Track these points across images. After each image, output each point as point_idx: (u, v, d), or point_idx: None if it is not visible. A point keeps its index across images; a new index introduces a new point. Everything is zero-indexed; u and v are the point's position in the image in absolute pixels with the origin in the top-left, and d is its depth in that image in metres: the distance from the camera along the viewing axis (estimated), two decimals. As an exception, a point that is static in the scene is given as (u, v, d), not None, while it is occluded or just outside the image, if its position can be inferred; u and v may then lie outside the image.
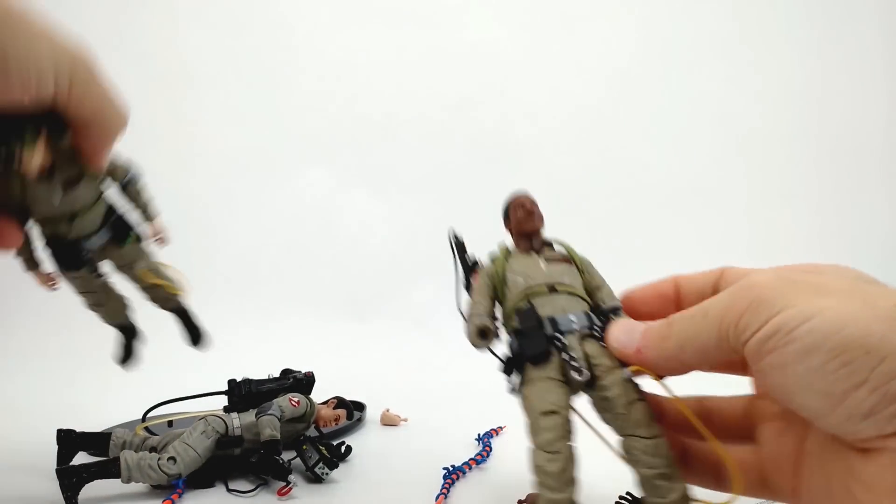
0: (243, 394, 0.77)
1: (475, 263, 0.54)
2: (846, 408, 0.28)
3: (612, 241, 1.36)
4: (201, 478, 0.66)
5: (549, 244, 0.53)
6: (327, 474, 0.67)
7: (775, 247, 1.53)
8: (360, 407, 0.91)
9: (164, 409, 0.81)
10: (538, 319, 0.47)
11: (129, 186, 0.63)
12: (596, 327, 0.47)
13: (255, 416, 0.70)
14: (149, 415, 0.80)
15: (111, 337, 0.73)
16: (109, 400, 0.96)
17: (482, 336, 0.48)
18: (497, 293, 0.50)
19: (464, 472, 0.67)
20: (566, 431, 0.43)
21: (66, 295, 0.64)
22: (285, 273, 1.62)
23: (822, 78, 1.77)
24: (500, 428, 0.83)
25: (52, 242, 0.57)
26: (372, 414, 0.92)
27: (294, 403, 0.73)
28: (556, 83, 1.76)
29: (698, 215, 1.70)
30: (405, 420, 0.91)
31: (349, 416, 0.83)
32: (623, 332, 0.42)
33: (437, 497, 0.59)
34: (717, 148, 1.76)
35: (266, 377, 0.81)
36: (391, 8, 1.73)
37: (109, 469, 0.62)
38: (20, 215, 0.53)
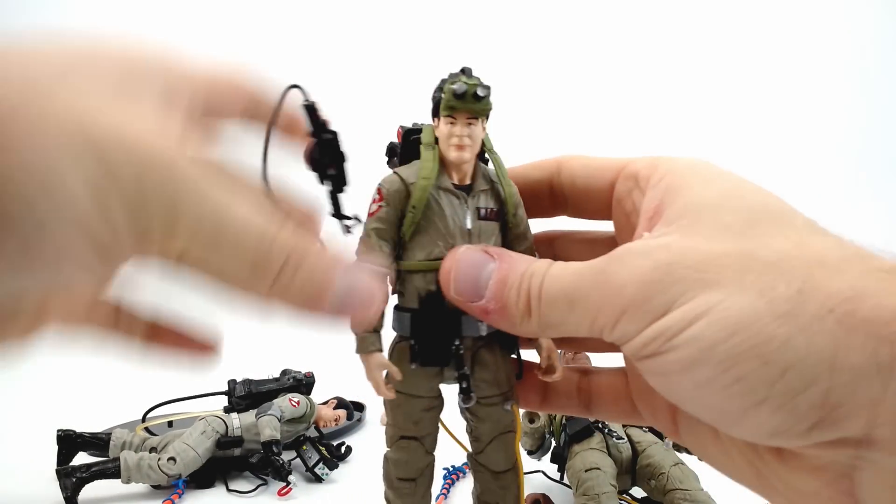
0: (243, 394, 0.77)
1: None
2: (747, 426, 0.23)
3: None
4: (201, 478, 0.66)
5: None
6: (327, 474, 0.68)
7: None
8: (360, 407, 0.91)
9: (164, 409, 0.81)
10: None
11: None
12: None
13: (255, 416, 0.70)
14: (149, 415, 0.80)
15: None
16: (109, 400, 0.96)
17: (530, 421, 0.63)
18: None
19: (464, 473, 0.67)
20: (609, 484, 0.52)
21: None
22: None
23: None
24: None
25: (424, 302, 0.34)
26: (372, 414, 0.92)
27: (294, 404, 0.73)
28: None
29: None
30: (405, 420, 0.90)
31: (349, 417, 0.83)
32: (467, 275, 0.30)
33: (437, 497, 0.59)
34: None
35: (266, 377, 0.81)
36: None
37: (109, 469, 0.62)
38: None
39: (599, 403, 0.36)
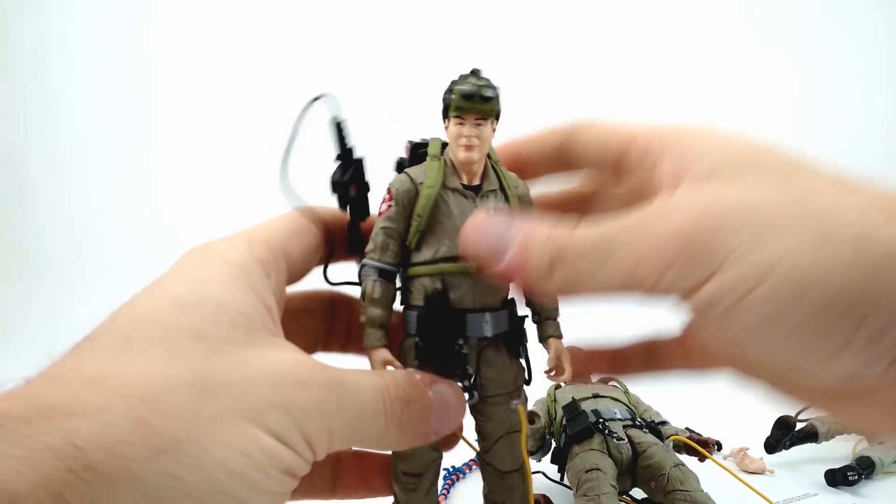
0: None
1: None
2: (823, 374, 0.23)
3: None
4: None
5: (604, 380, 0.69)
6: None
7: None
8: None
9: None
10: (580, 409, 0.60)
11: None
12: (639, 420, 0.60)
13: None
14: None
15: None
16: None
17: (531, 421, 0.61)
18: (549, 413, 0.65)
19: (464, 473, 0.67)
20: (609, 485, 0.51)
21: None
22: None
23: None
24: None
25: (429, 301, 0.34)
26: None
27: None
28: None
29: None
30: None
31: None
32: (492, 229, 0.28)
33: (438, 498, 0.59)
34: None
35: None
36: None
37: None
38: None
39: (666, 363, 0.36)
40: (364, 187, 0.36)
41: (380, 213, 0.35)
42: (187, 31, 1.71)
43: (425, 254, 0.34)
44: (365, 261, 0.34)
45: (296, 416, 0.24)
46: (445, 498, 0.60)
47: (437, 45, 1.58)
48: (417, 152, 0.37)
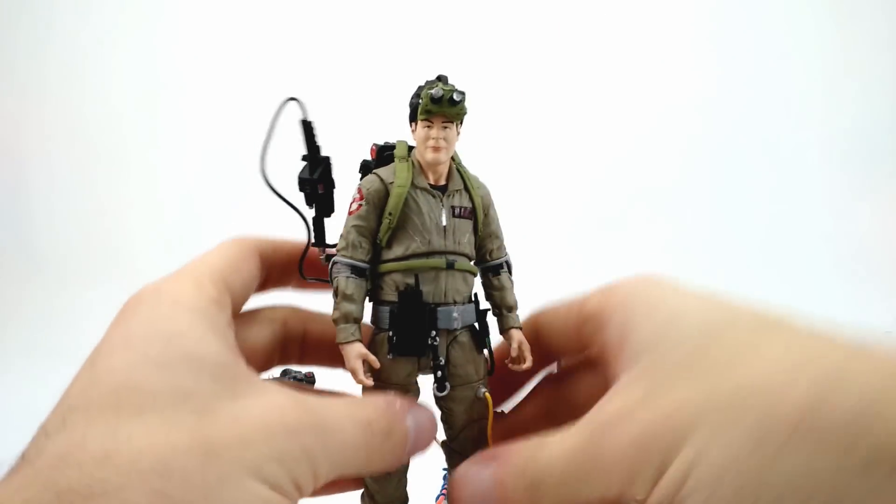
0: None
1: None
2: None
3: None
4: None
5: None
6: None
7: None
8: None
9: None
10: None
11: (501, 273, 0.40)
12: None
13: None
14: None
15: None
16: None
17: None
18: None
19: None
20: None
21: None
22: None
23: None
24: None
25: (403, 296, 0.36)
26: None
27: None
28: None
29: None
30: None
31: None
32: (470, 488, 0.33)
33: (437, 497, 0.59)
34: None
35: (267, 377, 0.81)
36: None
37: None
38: None
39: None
40: (330, 185, 0.37)
41: (350, 213, 0.36)
42: (183, 40, 1.71)
43: (396, 251, 0.36)
44: (336, 258, 0.36)
45: (288, 465, 0.25)
46: (445, 498, 0.60)
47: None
48: (383, 154, 0.39)
